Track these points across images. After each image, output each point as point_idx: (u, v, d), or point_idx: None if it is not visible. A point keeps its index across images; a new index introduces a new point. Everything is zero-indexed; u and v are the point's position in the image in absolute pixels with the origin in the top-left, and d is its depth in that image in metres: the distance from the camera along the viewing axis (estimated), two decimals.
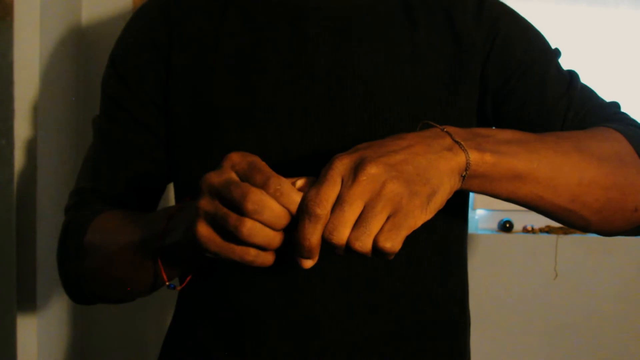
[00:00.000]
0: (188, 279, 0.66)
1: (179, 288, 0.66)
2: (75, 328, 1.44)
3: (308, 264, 0.54)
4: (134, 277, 0.69)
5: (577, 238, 1.69)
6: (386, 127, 0.74)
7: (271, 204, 0.51)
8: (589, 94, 0.78)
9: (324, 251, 0.77)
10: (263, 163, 0.54)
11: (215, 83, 0.76)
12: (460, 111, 0.78)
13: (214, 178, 0.54)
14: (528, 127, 0.76)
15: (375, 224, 0.51)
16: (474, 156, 0.56)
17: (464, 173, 0.56)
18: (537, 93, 0.76)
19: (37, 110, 1.15)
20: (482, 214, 1.73)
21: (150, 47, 0.78)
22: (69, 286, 0.77)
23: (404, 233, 0.51)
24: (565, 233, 1.69)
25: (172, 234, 0.63)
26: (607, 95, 0.79)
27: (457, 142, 0.56)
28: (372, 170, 0.51)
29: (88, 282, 0.74)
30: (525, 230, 1.72)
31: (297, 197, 0.52)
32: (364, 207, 0.51)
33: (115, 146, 0.80)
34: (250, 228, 0.51)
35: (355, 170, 0.52)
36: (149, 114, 0.79)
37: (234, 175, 0.54)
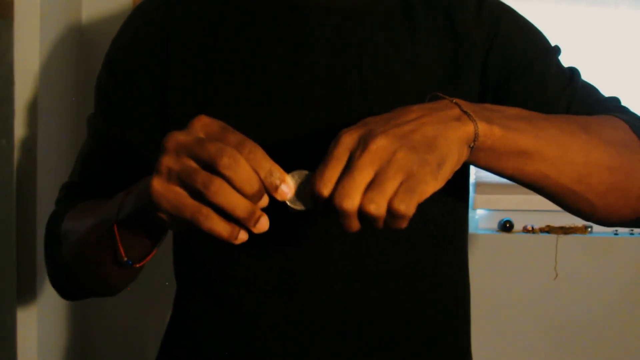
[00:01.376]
0: (150, 256, 0.65)
1: (137, 265, 0.65)
2: (75, 327, 1.44)
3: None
4: (101, 258, 0.68)
5: (577, 238, 1.69)
6: None
7: (244, 163, 0.50)
8: (589, 91, 0.78)
9: (324, 252, 0.77)
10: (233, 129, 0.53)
11: (214, 83, 0.76)
12: None
13: (181, 136, 0.52)
14: None
15: (389, 187, 0.50)
16: (483, 127, 0.56)
17: (472, 144, 0.56)
18: (538, 92, 0.76)
19: (37, 110, 1.15)
20: (482, 214, 1.73)
21: (147, 48, 0.78)
22: (54, 278, 0.78)
23: (417, 197, 0.51)
24: (565, 233, 1.69)
25: (126, 206, 0.62)
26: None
27: (465, 112, 0.56)
28: (382, 142, 0.51)
29: (67, 271, 0.75)
30: (525, 230, 1.72)
31: (267, 164, 0.51)
32: (376, 174, 0.51)
33: (108, 145, 0.80)
34: (219, 186, 0.50)
35: (365, 141, 0.52)
36: (144, 116, 0.79)
37: (204, 135, 0.53)
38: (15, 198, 1.11)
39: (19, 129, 1.13)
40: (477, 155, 0.57)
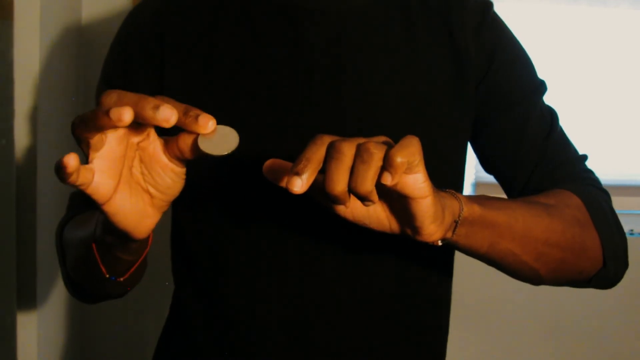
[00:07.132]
0: (132, 269, 0.65)
1: (120, 279, 0.65)
2: (75, 328, 1.44)
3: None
4: (92, 272, 0.67)
5: None
6: (385, 131, 0.75)
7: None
8: (562, 146, 0.81)
9: (320, 257, 0.77)
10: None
11: (212, 86, 0.75)
12: (460, 115, 0.78)
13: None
14: (497, 165, 0.81)
15: (382, 141, 0.53)
16: (466, 204, 0.61)
17: (457, 219, 0.60)
18: (515, 137, 0.79)
19: (37, 110, 1.15)
20: None
21: (141, 53, 0.77)
22: (65, 285, 0.79)
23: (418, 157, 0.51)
24: None
25: (99, 225, 0.61)
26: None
27: (450, 192, 0.61)
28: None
29: (70, 280, 0.76)
30: None
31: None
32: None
33: None
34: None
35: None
36: None
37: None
38: (15, 198, 1.11)
39: (19, 129, 1.13)
40: (459, 231, 0.61)
